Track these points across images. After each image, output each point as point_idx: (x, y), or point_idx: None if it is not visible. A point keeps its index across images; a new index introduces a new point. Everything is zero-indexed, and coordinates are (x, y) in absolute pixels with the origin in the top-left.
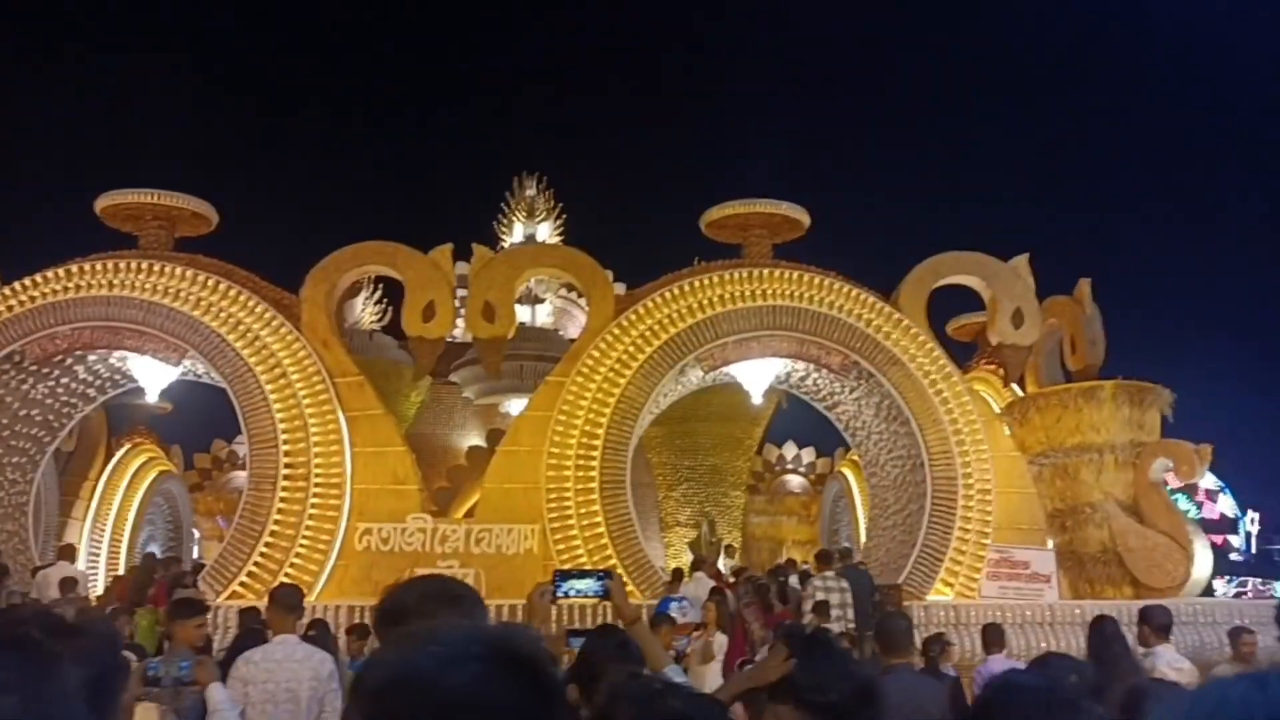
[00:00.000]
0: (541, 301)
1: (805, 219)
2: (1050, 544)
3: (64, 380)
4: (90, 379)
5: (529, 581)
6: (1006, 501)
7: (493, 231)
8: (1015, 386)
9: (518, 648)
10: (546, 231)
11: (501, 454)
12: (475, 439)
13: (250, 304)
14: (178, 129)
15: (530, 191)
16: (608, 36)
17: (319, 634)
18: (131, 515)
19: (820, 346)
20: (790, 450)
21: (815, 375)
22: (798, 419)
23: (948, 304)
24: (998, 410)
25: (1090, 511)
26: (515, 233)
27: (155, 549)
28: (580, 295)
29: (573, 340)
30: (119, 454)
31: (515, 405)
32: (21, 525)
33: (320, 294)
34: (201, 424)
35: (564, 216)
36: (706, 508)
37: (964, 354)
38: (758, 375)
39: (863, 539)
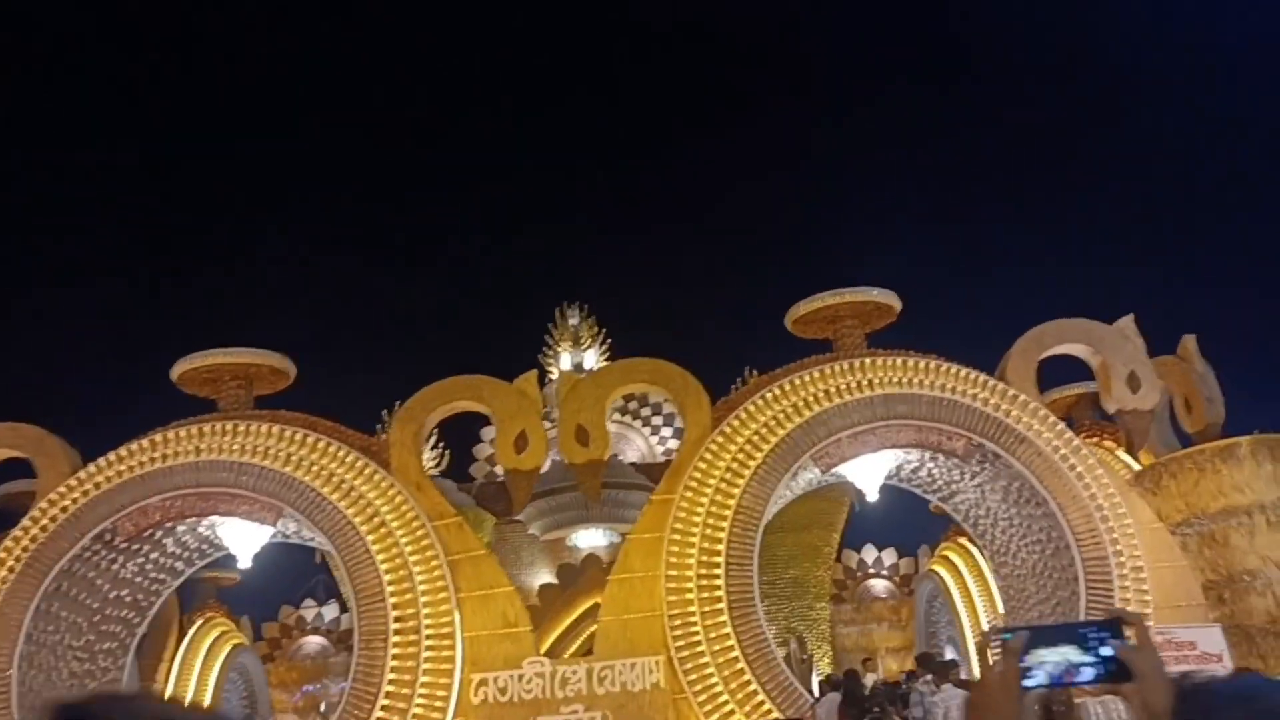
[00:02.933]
0: None
1: (897, 304)
2: (1211, 620)
3: (153, 555)
4: (179, 551)
5: (659, 719)
6: (1159, 578)
7: (537, 362)
8: (1125, 457)
9: None
10: (593, 358)
11: (614, 583)
12: (546, 576)
13: (340, 454)
14: (229, 290)
15: (574, 320)
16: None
17: None
18: (209, 693)
19: (941, 432)
20: (870, 554)
21: (930, 465)
22: (872, 521)
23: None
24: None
25: (1250, 579)
26: (563, 361)
27: None
28: (635, 418)
29: (633, 464)
30: (191, 631)
31: (583, 537)
32: None
33: (408, 436)
34: (268, 592)
35: (609, 342)
36: (792, 623)
37: None
38: (871, 471)
39: (969, 639)
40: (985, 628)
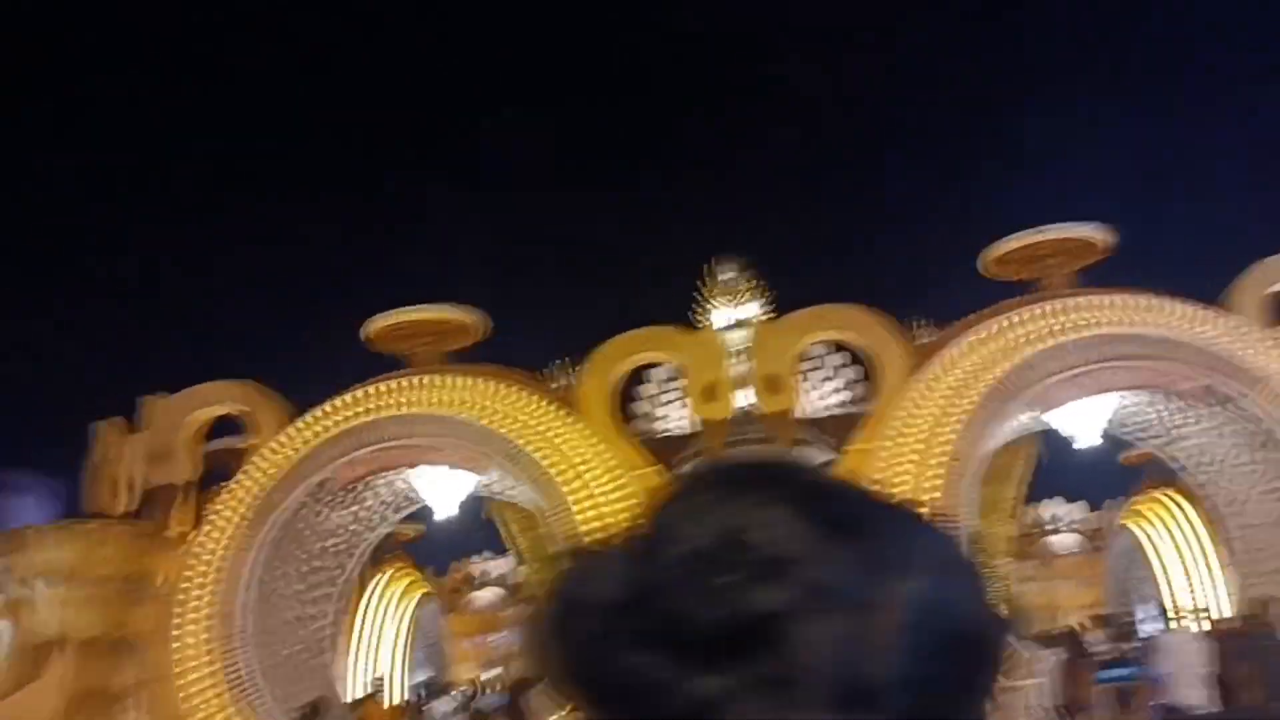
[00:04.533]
0: None
1: (1107, 239)
2: None
3: (354, 509)
4: (378, 505)
5: None
6: None
7: (688, 319)
8: None
9: None
10: (754, 311)
11: None
12: None
13: (534, 405)
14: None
15: (728, 275)
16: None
17: None
18: (400, 639)
19: (1167, 375)
20: (1055, 508)
21: (1151, 410)
22: (1056, 474)
23: None
24: None
25: None
26: (718, 317)
27: (422, 674)
28: (807, 375)
29: (808, 420)
30: (382, 580)
31: None
32: (332, 658)
33: (599, 386)
34: (439, 546)
35: (770, 295)
36: None
37: None
38: (1087, 417)
39: (1173, 594)
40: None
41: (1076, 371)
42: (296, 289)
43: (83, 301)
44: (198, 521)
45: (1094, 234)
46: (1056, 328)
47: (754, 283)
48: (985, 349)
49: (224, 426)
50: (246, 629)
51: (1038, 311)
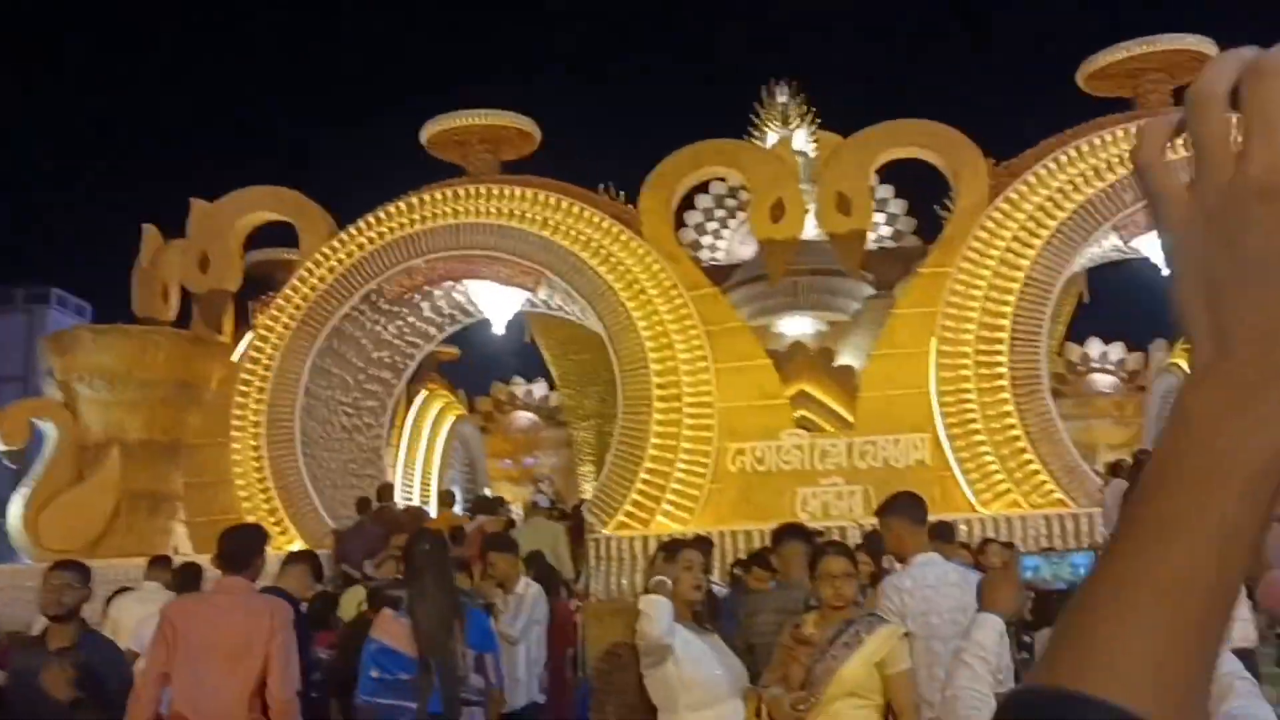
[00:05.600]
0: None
1: (1213, 50)
2: None
3: (410, 319)
4: (433, 316)
5: (924, 496)
6: None
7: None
8: None
9: None
10: (804, 138)
11: (876, 359)
12: None
13: (596, 220)
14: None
15: (783, 99)
16: None
17: None
18: (437, 460)
19: None
20: (1095, 347)
21: None
22: (1098, 313)
23: None
24: None
25: None
26: (769, 141)
27: (457, 490)
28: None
29: None
30: (418, 401)
31: (790, 324)
32: (379, 470)
33: (659, 203)
34: (478, 368)
35: (820, 121)
36: None
37: None
38: None
39: None
40: None
41: None
42: (351, 96)
43: (133, 103)
44: (240, 329)
45: (1200, 46)
46: None
47: (808, 107)
48: (1074, 169)
49: (264, 237)
50: (297, 435)
51: (1132, 130)
